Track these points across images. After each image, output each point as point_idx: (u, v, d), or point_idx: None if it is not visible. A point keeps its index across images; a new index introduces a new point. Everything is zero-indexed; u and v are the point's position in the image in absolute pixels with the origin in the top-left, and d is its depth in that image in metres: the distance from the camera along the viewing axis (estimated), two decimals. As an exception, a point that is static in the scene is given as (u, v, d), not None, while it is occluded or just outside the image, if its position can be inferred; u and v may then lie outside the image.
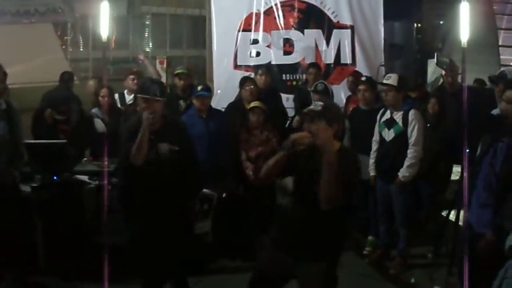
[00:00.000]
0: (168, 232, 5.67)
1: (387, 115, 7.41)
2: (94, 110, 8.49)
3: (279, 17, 10.98)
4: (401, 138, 7.25)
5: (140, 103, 5.84)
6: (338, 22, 11.18)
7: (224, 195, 7.46)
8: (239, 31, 10.92)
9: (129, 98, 9.03)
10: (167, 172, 5.70)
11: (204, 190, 7.18)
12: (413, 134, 7.17)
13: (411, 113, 7.23)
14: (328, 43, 11.18)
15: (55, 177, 7.27)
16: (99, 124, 8.41)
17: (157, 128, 5.78)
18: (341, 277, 6.97)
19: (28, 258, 6.90)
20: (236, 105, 8.65)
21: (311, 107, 4.87)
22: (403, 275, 7.31)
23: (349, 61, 11.13)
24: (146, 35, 15.93)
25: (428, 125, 7.76)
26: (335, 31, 11.18)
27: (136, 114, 6.07)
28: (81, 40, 15.66)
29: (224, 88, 10.51)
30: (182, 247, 5.89)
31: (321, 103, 4.88)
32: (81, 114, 8.31)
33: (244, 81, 8.74)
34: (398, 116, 7.29)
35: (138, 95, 5.97)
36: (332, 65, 11.04)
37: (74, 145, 7.61)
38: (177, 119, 6.50)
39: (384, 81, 7.51)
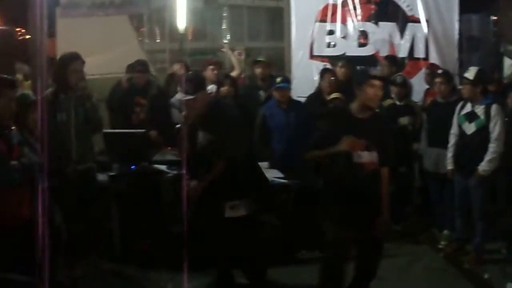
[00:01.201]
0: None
1: (468, 108, 7.23)
2: (174, 100, 8.50)
3: (355, 9, 10.83)
4: (483, 132, 7.07)
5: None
6: (412, 15, 10.94)
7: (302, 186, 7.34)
8: (315, 21, 10.79)
9: (208, 88, 8.99)
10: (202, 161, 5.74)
11: (283, 180, 7.17)
12: (496, 128, 6.99)
13: (494, 108, 7.05)
14: (402, 36, 10.99)
15: (132, 167, 7.30)
16: (176, 114, 8.36)
17: (200, 116, 5.83)
18: (415, 270, 6.98)
19: (103, 245, 7.00)
20: (316, 97, 8.59)
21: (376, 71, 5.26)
22: (477, 270, 7.14)
23: (422, 55, 10.91)
24: (224, 27, 15.94)
25: (506, 119, 7.55)
26: (409, 24, 10.93)
27: None
28: (157, 31, 15.76)
29: (300, 78, 10.44)
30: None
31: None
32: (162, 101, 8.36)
33: (324, 72, 8.68)
34: (479, 110, 7.11)
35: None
36: (405, 59, 10.85)
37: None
38: (224, 108, 6.22)
39: (464, 75, 7.35)
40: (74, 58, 6.62)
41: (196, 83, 5.92)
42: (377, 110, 5.71)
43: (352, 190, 5.24)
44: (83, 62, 6.69)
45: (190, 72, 7.14)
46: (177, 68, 9.66)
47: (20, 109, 5.48)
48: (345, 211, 5.27)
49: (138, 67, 8.92)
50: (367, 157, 5.23)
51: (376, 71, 5.37)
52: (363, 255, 5.49)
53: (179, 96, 7.89)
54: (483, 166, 7.05)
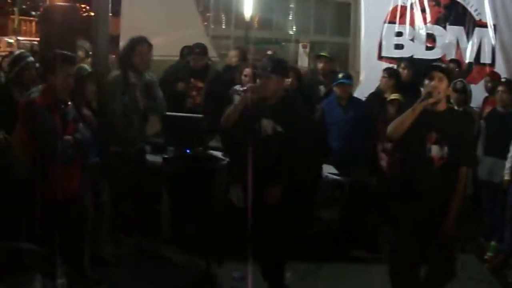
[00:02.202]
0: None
1: (529, 119, 7.11)
2: (237, 87, 8.51)
3: (423, 11, 10.79)
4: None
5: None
6: (480, 20, 10.82)
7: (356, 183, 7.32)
8: (384, 22, 10.86)
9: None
10: (264, 151, 5.39)
11: (337, 177, 7.16)
12: None
13: None
14: (469, 40, 10.85)
15: (187, 150, 7.27)
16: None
17: (269, 104, 5.53)
18: (459, 279, 6.85)
19: (149, 226, 6.99)
20: (377, 96, 8.55)
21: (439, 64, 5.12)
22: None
23: (488, 60, 10.76)
24: (290, 18, 15.87)
25: None
26: (477, 29, 10.83)
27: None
28: (223, 17, 15.78)
29: (368, 78, 10.42)
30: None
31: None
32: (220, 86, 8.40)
33: (384, 72, 8.63)
34: None
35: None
36: (472, 64, 10.71)
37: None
38: (295, 101, 5.90)
39: None
40: (141, 41, 6.66)
41: (276, 64, 5.68)
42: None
43: (417, 187, 5.07)
44: (150, 46, 6.73)
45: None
46: (233, 55, 9.71)
47: (77, 82, 5.55)
48: (406, 212, 5.13)
49: (196, 49, 8.91)
50: (436, 151, 5.05)
51: (438, 63, 5.29)
52: (428, 268, 5.28)
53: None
54: (542, 180, 6.91)
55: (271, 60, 5.86)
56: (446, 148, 5.03)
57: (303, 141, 5.49)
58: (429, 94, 5.00)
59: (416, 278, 5.24)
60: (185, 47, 9.37)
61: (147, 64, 6.73)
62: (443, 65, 5.21)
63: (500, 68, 10.55)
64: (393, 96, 7.87)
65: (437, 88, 5.04)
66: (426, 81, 5.12)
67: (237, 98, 8.14)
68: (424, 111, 5.02)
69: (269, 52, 9.53)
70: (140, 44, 6.63)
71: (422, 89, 9.46)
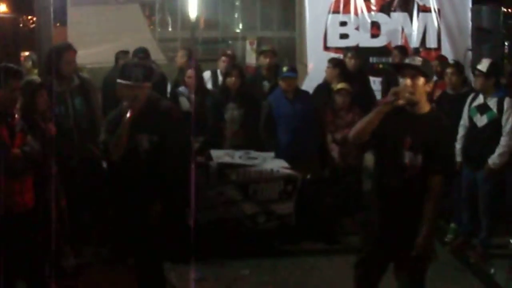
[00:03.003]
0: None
1: (480, 100, 7.01)
2: (181, 89, 8.36)
3: (367, 0, 10.78)
4: (494, 124, 6.85)
5: (121, 90, 5.17)
6: (424, 5, 10.91)
7: (308, 176, 7.24)
8: (329, 12, 10.82)
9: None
10: (145, 167, 5.16)
11: (288, 171, 7.04)
12: (509, 122, 6.76)
13: (507, 101, 6.81)
14: (414, 26, 10.87)
15: None
16: (184, 103, 8.19)
17: (137, 117, 5.11)
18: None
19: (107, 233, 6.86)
20: (323, 87, 8.46)
21: (411, 60, 4.67)
22: (483, 265, 6.98)
23: (434, 45, 10.83)
24: (236, 16, 15.74)
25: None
26: (421, 14, 10.92)
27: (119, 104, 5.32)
28: (169, 20, 15.62)
29: (315, 69, 10.36)
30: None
31: (420, 58, 4.70)
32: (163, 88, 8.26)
33: (328, 62, 8.56)
34: (492, 102, 6.88)
35: (118, 80, 5.20)
36: (418, 49, 10.69)
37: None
38: (160, 103, 5.43)
39: (477, 67, 7.16)
40: (66, 49, 6.59)
41: (146, 71, 5.34)
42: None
43: (388, 195, 4.69)
44: (75, 52, 6.65)
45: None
46: (181, 55, 9.59)
47: (27, 95, 5.51)
48: (377, 220, 4.79)
49: (138, 54, 8.78)
50: (409, 158, 4.57)
51: (412, 59, 4.85)
52: (398, 277, 4.90)
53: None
54: (493, 160, 6.83)
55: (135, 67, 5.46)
56: (420, 156, 4.58)
57: (180, 146, 5.24)
58: (396, 94, 4.51)
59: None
60: (120, 52, 9.20)
61: (74, 71, 6.65)
62: (419, 61, 4.74)
63: (447, 51, 10.63)
64: (340, 85, 7.81)
65: (408, 88, 4.54)
66: (400, 80, 4.67)
67: (182, 100, 8.07)
68: (401, 113, 4.57)
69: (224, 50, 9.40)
70: (65, 51, 6.55)
71: (374, 79, 9.57)
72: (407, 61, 4.76)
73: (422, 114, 4.63)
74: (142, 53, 8.83)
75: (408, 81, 4.53)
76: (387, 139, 4.62)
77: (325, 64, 8.89)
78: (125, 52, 9.07)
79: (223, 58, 9.07)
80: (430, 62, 5.25)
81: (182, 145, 5.28)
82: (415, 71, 4.54)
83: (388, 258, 4.82)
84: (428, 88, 4.65)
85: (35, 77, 6.64)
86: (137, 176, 5.15)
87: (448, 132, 4.91)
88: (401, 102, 4.48)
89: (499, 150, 6.83)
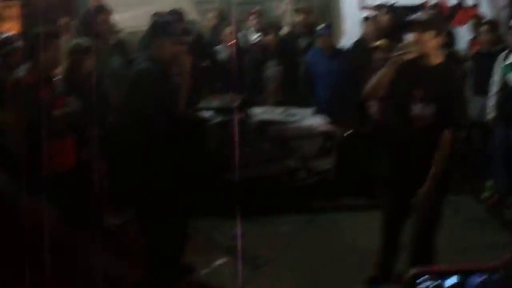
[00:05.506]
0: None
1: (512, 58, 6.98)
2: (219, 47, 8.43)
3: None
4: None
5: (155, 48, 5.23)
6: (464, -39, 10.71)
7: (347, 133, 7.31)
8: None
9: (253, 36, 8.94)
10: None
11: (328, 127, 7.12)
12: None
13: None
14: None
15: None
16: (223, 61, 8.23)
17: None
18: (456, 221, 6.83)
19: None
20: (360, 44, 8.47)
21: (420, 15, 4.74)
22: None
23: (473, 2, 10.68)
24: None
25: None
26: (460, -30, 10.71)
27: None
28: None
29: (351, 28, 10.29)
30: None
31: (429, 12, 4.77)
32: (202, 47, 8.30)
33: (366, 20, 8.56)
34: None
35: (153, 38, 5.30)
36: (456, 7, 10.58)
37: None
38: None
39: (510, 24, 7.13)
40: (101, 9, 6.74)
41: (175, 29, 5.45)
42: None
43: (400, 146, 4.76)
44: (110, 12, 6.78)
45: None
46: (212, 16, 9.58)
47: (75, 57, 5.64)
48: (391, 170, 4.89)
49: (173, 15, 8.82)
50: (420, 110, 4.59)
51: (418, 15, 4.90)
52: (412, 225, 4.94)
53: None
54: (527, 116, 6.82)
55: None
56: (431, 107, 4.60)
57: None
58: (404, 48, 4.61)
59: (399, 231, 5.03)
60: (155, 13, 9.26)
61: (110, 31, 6.78)
62: (426, 15, 4.83)
63: (484, 9, 10.47)
64: (377, 43, 7.82)
65: (417, 42, 4.60)
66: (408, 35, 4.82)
67: (220, 58, 8.15)
68: (412, 65, 4.60)
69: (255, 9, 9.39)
70: (101, 11, 6.70)
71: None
72: (413, 17, 4.77)
73: (433, 66, 4.68)
74: (177, 14, 8.88)
75: (414, 36, 4.61)
76: (399, 91, 4.67)
77: (360, 22, 8.88)
78: (160, 14, 9.12)
79: (253, 16, 9.10)
80: (441, 16, 5.31)
81: None
82: (421, 26, 4.59)
83: (404, 208, 4.86)
84: (439, 40, 4.66)
85: (83, 40, 6.73)
86: None
87: (459, 84, 5.01)
88: (410, 56, 4.55)
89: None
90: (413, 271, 1.94)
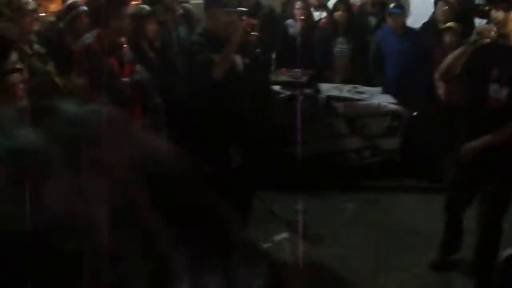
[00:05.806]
0: None
1: None
2: (289, 21, 8.38)
3: None
4: None
5: (221, 16, 5.26)
6: None
7: (415, 113, 7.20)
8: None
9: (316, 14, 8.84)
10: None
11: (396, 106, 7.03)
12: None
13: None
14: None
15: None
16: (293, 36, 8.13)
17: None
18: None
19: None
20: (431, 25, 8.32)
21: None
22: None
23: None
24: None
25: None
26: None
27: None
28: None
29: (420, 8, 10.09)
30: None
31: None
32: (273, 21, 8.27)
33: (438, 1, 8.39)
34: None
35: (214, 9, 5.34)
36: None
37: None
38: None
39: None
40: None
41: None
42: None
43: (473, 127, 4.65)
44: None
45: None
46: None
47: (136, 22, 5.55)
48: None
49: None
50: (494, 90, 4.43)
51: None
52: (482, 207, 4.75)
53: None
54: None
55: None
56: (506, 89, 4.41)
57: None
58: (480, 34, 4.47)
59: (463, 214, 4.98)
60: None
61: (176, 1, 6.78)
62: None
63: None
64: (448, 24, 7.67)
65: (501, 21, 4.44)
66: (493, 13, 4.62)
67: (291, 33, 8.11)
68: (491, 45, 4.45)
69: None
70: None
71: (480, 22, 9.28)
72: None
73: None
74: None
75: (500, 15, 4.46)
76: (474, 71, 4.55)
77: (430, 3, 8.71)
78: None
79: None
80: None
81: None
82: (506, 5, 4.46)
83: (473, 190, 4.77)
84: None
85: (144, 5, 6.75)
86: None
87: None
88: (486, 41, 4.43)
89: None
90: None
